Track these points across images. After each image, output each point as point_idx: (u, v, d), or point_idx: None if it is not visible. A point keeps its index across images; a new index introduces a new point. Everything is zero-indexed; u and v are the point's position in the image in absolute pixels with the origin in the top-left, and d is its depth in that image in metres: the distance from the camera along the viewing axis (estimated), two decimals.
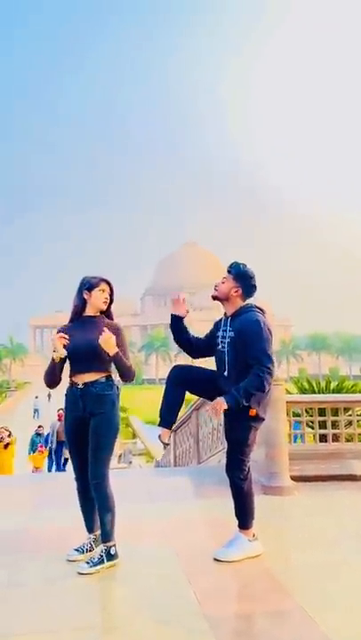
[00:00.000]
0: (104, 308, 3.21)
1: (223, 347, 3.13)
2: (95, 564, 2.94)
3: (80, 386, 3.10)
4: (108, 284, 3.22)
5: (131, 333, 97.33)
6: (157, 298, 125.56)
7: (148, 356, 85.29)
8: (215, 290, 3.23)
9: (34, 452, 13.42)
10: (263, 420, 3.16)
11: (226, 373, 3.12)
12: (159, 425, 3.22)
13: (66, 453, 12.35)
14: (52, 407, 23.23)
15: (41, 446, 13.46)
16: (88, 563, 2.96)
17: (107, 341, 2.96)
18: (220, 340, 3.17)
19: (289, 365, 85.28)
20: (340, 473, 5.13)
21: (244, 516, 3.20)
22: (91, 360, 3.07)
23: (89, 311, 3.19)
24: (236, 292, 3.16)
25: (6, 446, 10.69)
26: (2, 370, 78.87)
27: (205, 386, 3.26)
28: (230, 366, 3.09)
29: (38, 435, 14.12)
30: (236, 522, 3.22)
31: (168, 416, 3.22)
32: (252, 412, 3.02)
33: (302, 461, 5.20)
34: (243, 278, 3.18)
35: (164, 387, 3.26)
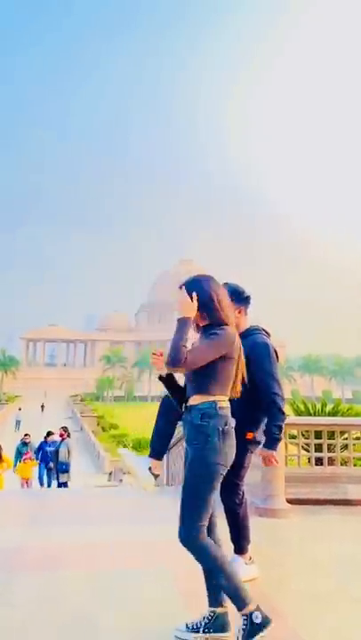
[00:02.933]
0: None
1: None
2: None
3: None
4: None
5: (124, 349, 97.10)
6: (152, 314, 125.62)
7: (141, 373, 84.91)
8: None
9: (20, 461, 13.03)
10: (260, 443, 3.13)
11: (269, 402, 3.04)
12: (150, 456, 3.19)
13: (63, 477, 12.13)
14: (44, 419, 23.02)
15: (27, 454, 13.14)
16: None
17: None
18: None
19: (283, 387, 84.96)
20: (336, 497, 5.11)
21: (240, 540, 3.17)
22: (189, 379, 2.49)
23: None
24: (239, 312, 3.09)
25: None
26: None
27: None
28: (266, 389, 3.00)
29: (25, 444, 13.71)
30: (232, 546, 3.19)
31: (159, 447, 3.19)
32: (250, 436, 3.01)
33: (298, 484, 5.18)
34: (235, 297, 3.05)
35: (156, 413, 3.24)
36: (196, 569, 3.27)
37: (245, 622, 2.24)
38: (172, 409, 3.13)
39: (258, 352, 2.98)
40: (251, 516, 4.58)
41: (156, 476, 3.27)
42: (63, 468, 12.09)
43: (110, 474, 20.13)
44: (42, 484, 13.07)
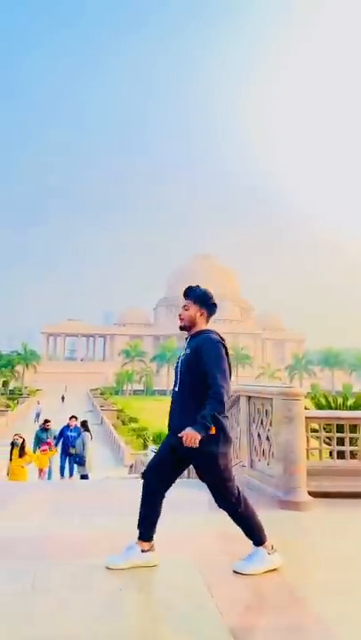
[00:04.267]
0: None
1: (178, 364, 3.20)
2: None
3: None
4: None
5: (143, 344, 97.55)
6: (170, 308, 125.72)
7: (160, 367, 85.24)
8: (181, 320, 3.27)
9: (38, 447, 12.83)
10: (230, 441, 3.12)
11: (177, 388, 3.17)
12: (139, 538, 3.18)
13: (81, 470, 12.10)
14: (64, 412, 23.31)
15: (45, 444, 12.80)
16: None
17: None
18: (178, 359, 3.24)
19: (302, 381, 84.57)
20: (358, 490, 5.11)
21: (255, 533, 3.20)
22: None
23: None
24: (201, 314, 3.25)
25: (21, 454, 10.74)
26: (14, 377, 79.39)
27: (180, 466, 3.23)
28: (181, 382, 3.14)
29: (45, 430, 13.40)
30: (250, 541, 3.23)
31: (149, 530, 3.19)
32: (213, 430, 3.00)
33: (320, 477, 5.19)
34: (204, 300, 3.27)
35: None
36: (219, 559, 3.35)
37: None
38: (156, 484, 3.19)
39: (206, 348, 3.07)
40: (273, 508, 4.65)
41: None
42: (77, 460, 12.09)
43: (131, 467, 20.33)
44: (62, 474, 12.78)
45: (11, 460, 10.67)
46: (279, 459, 4.90)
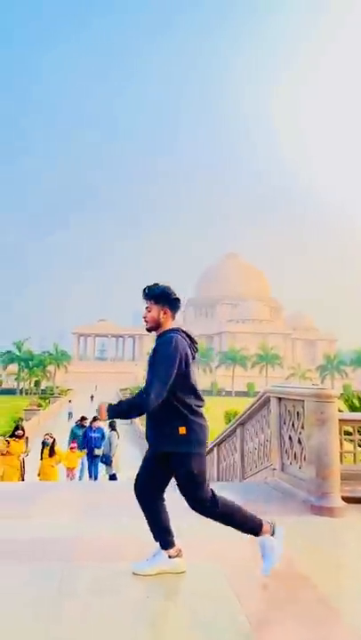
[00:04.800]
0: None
1: (148, 367, 3.09)
2: None
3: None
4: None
5: None
6: (199, 309, 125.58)
7: None
8: (146, 322, 3.17)
9: (72, 441, 12.85)
10: (204, 442, 3.03)
11: (143, 390, 3.03)
12: (162, 548, 3.11)
13: (109, 469, 12.08)
14: (93, 410, 23.61)
15: (74, 443, 12.79)
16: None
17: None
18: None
19: (333, 381, 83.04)
20: None
21: (247, 526, 3.09)
22: None
23: None
24: (165, 313, 3.12)
25: (51, 454, 10.85)
26: (46, 376, 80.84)
27: (167, 473, 3.13)
28: (146, 383, 3.04)
29: (81, 427, 13.36)
30: (250, 536, 3.12)
31: (165, 537, 3.12)
32: (182, 430, 2.93)
33: (354, 482, 5.01)
34: (163, 298, 3.11)
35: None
36: (247, 565, 3.24)
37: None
38: (147, 495, 3.14)
39: (160, 349, 2.99)
40: (304, 513, 4.50)
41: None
42: (103, 460, 12.08)
43: None
44: (90, 475, 12.75)
45: (41, 459, 10.80)
46: (311, 462, 4.75)
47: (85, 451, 12.78)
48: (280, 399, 5.65)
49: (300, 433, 5.13)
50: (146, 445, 3.20)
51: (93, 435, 12.69)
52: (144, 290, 3.16)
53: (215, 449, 8.91)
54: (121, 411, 2.95)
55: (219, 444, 8.78)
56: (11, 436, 9.99)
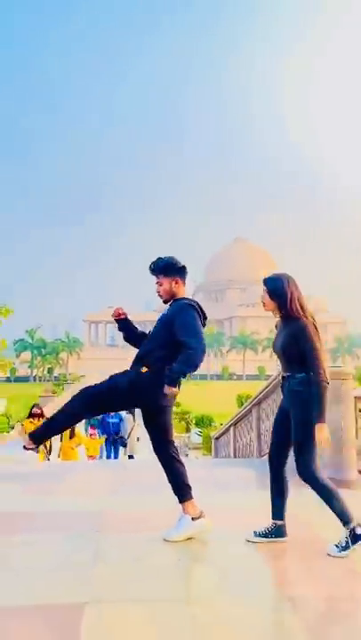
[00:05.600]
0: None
1: (156, 324, 3.30)
2: (343, 549, 2.99)
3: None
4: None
5: None
6: (209, 294, 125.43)
7: None
8: (160, 296, 3.32)
9: (90, 427, 12.83)
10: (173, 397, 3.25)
11: (147, 340, 3.29)
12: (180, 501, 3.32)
13: (127, 451, 12.30)
14: None
15: (92, 429, 12.60)
16: (337, 547, 3.01)
17: None
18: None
19: (345, 364, 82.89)
20: None
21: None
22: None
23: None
24: (176, 283, 3.28)
25: (71, 436, 11.11)
26: (59, 363, 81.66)
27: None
28: (153, 336, 3.26)
29: None
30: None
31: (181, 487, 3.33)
32: (144, 370, 3.15)
33: None
34: (171, 268, 3.27)
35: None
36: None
37: (348, 534, 2.99)
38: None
39: (183, 311, 3.15)
40: None
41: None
42: (121, 443, 12.32)
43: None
44: (109, 457, 12.79)
45: (61, 440, 11.07)
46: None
47: (105, 436, 12.73)
48: None
49: None
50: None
51: (111, 420, 12.65)
52: (150, 266, 3.30)
53: (231, 429, 9.11)
54: (176, 378, 3.09)
55: (235, 424, 8.98)
56: (28, 417, 9.84)
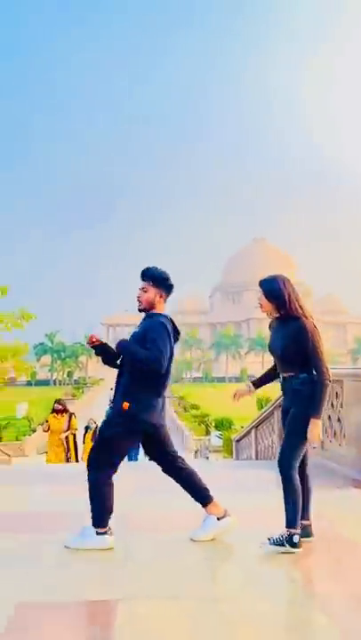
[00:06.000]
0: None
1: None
2: (274, 543, 3.07)
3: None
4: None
5: (200, 332, 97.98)
6: (226, 295, 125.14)
7: (218, 355, 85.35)
8: (140, 302, 3.30)
9: None
10: (136, 415, 3.15)
11: (121, 370, 3.30)
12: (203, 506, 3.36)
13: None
14: None
15: None
16: (270, 540, 3.10)
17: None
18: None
19: None
20: None
21: (95, 509, 3.26)
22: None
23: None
24: (160, 297, 3.28)
25: (93, 437, 11.28)
26: (79, 367, 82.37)
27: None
28: (125, 362, 3.26)
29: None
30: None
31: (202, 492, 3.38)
32: (125, 406, 3.12)
33: None
34: (162, 282, 3.27)
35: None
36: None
37: (284, 536, 3.05)
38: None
39: (152, 327, 3.16)
40: (346, 487, 4.69)
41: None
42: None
43: (196, 452, 20.73)
44: (130, 459, 13.28)
45: (84, 442, 11.25)
46: (351, 439, 4.93)
47: None
48: None
49: (339, 412, 5.30)
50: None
51: None
52: (144, 271, 3.30)
53: (253, 431, 9.15)
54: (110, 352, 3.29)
55: (256, 427, 9.01)
56: (52, 412, 9.81)
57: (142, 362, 3.10)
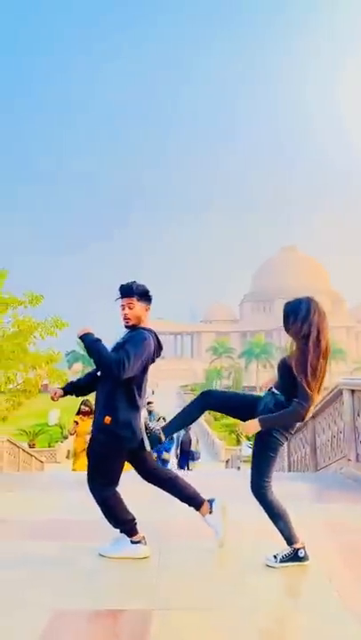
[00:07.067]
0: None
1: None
2: (282, 561, 3.06)
3: None
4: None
5: (230, 340, 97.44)
6: (256, 304, 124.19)
7: (249, 363, 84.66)
8: (127, 319, 3.24)
9: None
10: (115, 432, 3.10)
11: (101, 384, 3.24)
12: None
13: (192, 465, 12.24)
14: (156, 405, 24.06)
15: None
16: (275, 557, 3.08)
17: None
18: None
19: None
20: None
21: (114, 520, 3.28)
22: None
23: None
24: (146, 311, 3.28)
25: None
26: None
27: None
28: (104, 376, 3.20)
29: (149, 412, 13.26)
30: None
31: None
32: (107, 420, 3.08)
33: None
34: (146, 295, 3.26)
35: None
36: (328, 545, 3.39)
37: (291, 552, 3.06)
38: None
39: (133, 338, 3.14)
40: None
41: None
42: (191, 457, 12.30)
43: (227, 462, 20.56)
44: (182, 468, 12.66)
45: None
46: None
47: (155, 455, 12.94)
48: (353, 391, 5.71)
49: None
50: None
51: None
52: (127, 286, 3.24)
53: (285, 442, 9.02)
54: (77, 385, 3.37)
55: (288, 440, 8.88)
56: (77, 414, 9.48)
57: (102, 359, 3.07)
